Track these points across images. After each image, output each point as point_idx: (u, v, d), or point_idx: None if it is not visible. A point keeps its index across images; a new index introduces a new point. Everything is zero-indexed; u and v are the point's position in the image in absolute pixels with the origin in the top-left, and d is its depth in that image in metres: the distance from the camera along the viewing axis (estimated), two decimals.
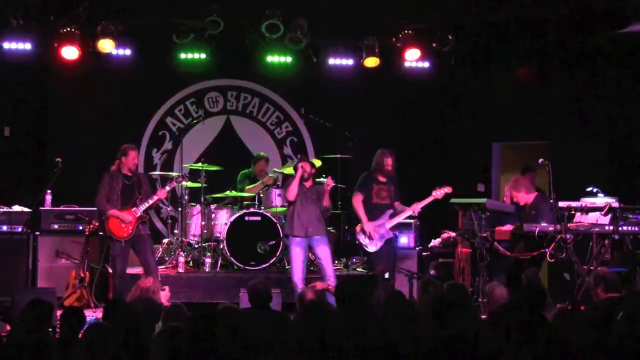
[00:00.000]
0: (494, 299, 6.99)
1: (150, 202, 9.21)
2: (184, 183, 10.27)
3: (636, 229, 8.83)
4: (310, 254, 9.62)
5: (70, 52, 10.78)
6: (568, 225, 8.74)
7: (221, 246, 10.26)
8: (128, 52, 11.36)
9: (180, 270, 10.09)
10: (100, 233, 9.88)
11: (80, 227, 10.12)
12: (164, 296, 7.51)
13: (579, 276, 8.65)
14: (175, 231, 10.80)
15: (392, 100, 12.37)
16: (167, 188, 9.49)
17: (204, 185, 10.58)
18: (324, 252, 9.08)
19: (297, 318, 5.74)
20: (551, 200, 8.79)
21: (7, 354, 4.46)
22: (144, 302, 6.46)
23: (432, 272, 10.43)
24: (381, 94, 12.24)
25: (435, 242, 10.87)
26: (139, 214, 9.12)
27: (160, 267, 9.76)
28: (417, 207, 9.38)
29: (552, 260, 8.67)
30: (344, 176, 11.07)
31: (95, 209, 9.83)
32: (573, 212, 9.09)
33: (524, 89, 11.60)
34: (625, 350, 4.83)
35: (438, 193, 9.37)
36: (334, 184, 9.39)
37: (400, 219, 9.42)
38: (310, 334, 5.22)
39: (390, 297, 5.76)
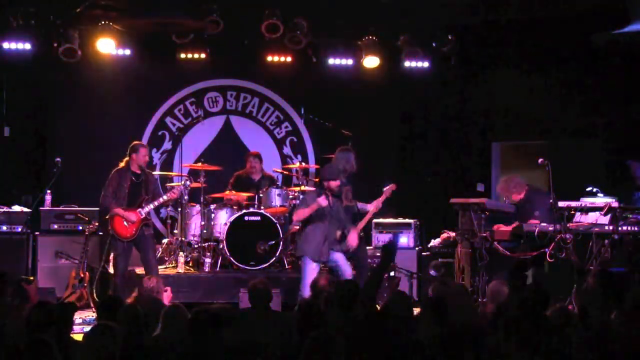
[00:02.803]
0: (495, 297, 6.98)
1: (156, 203, 9.21)
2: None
3: (636, 228, 8.84)
4: None
5: (70, 52, 10.79)
6: (568, 225, 8.76)
7: (221, 246, 10.26)
8: (128, 52, 11.35)
9: (180, 270, 10.08)
10: (100, 233, 9.89)
11: (80, 227, 10.12)
12: (167, 297, 7.51)
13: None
14: (175, 231, 10.79)
15: (392, 100, 12.37)
16: (176, 192, 9.51)
17: (204, 185, 10.57)
18: (340, 255, 8.81)
19: (297, 315, 5.74)
20: (551, 200, 8.81)
21: (9, 353, 4.46)
22: (148, 302, 6.46)
23: (432, 272, 10.44)
24: (381, 94, 12.24)
25: (435, 242, 10.89)
26: (143, 215, 9.10)
27: (159, 267, 9.75)
28: (378, 204, 9.05)
29: (552, 260, 8.68)
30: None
31: (96, 209, 9.86)
32: (573, 212, 9.11)
33: (523, 89, 11.60)
34: (624, 349, 4.83)
35: (388, 191, 9.17)
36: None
37: (365, 222, 9.10)
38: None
39: (393, 296, 5.77)
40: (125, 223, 9.03)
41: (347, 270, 8.72)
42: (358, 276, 8.89)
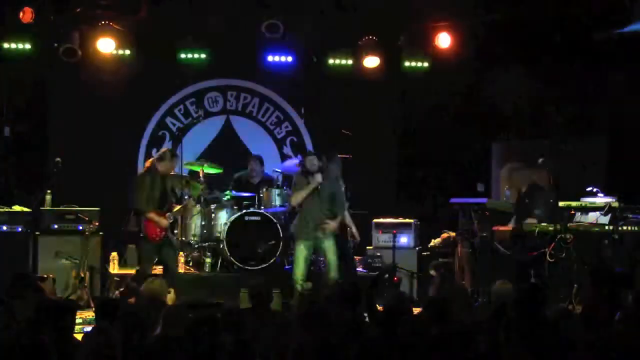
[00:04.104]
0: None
1: (179, 207, 9.29)
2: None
3: (636, 228, 8.84)
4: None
5: (70, 52, 10.78)
6: (568, 224, 8.76)
7: (221, 246, 10.26)
8: (128, 52, 11.35)
9: (180, 271, 10.08)
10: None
11: (80, 227, 10.11)
12: (170, 299, 7.48)
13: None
14: (175, 231, 10.78)
15: (392, 100, 12.36)
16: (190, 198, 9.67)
17: (204, 185, 10.57)
18: (328, 246, 9.01)
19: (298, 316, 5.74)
20: (551, 200, 8.81)
21: (7, 353, 4.45)
22: (151, 304, 6.46)
23: (432, 272, 10.44)
24: (381, 94, 12.23)
25: (435, 242, 10.89)
26: (172, 220, 9.15)
27: (159, 266, 9.74)
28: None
29: (552, 260, 8.68)
30: (343, 176, 11.04)
31: (97, 209, 9.91)
32: (573, 212, 9.10)
33: (523, 89, 11.59)
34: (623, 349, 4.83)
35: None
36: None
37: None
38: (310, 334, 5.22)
39: (392, 296, 5.78)
40: (157, 228, 9.01)
41: (332, 265, 8.94)
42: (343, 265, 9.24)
